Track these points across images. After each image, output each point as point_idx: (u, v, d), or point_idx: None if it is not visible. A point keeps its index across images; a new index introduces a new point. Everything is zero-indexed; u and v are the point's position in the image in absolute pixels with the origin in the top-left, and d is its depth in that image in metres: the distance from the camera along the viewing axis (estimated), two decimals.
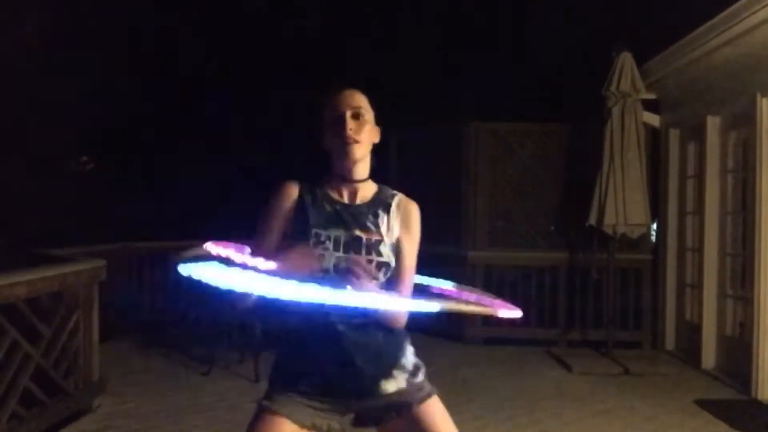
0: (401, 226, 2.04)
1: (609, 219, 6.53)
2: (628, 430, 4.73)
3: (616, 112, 6.56)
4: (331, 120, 1.99)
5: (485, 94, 10.74)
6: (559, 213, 7.47)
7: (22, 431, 4.01)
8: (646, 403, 5.33)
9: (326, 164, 2.06)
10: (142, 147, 11.06)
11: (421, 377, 2.09)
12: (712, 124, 6.40)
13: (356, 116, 1.99)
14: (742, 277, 6.07)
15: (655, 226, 7.44)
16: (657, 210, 7.27)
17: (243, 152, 11.61)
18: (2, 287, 3.82)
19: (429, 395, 2.06)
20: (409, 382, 2.04)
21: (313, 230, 1.95)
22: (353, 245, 1.95)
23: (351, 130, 1.96)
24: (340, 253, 1.93)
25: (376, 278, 1.96)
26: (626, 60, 6.56)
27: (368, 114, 2.02)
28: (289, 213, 2.01)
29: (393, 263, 2.00)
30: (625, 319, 7.19)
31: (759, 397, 5.37)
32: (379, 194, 2.07)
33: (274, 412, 1.98)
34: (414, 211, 2.08)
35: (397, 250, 2.03)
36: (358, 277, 1.84)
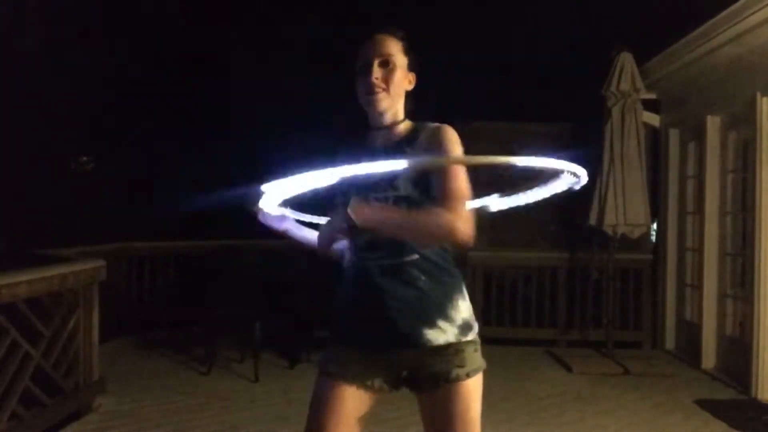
0: (428, 152, 1.87)
1: (609, 219, 6.53)
2: (628, 430, 4.73)
3: (616, 112, 6.56)
4: (359, 69, 1.91)
5: (485, 94, 10.73)
6: (559, 213, 7.48)
7: (22, 431, 4.01)
8: (646, 403, 5.33)
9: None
10: (142, 147, 11.06)
11: (471, 336, 1.94)
12: (712, 124, 6.40)
13: (384, 63, 1.89)
14: (742, 277, 6.07)
15: (655, 226, 7.45)
16: (657, 210, 7.27)
17: (243, 151, 11.60)
18: (2, 287, 3.82)
19: (467, 375, 1.89)
20: (458, 340, 1.89)
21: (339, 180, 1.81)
22: (371, 185, 1.85)
23: (377, 78, 1.87)
24: (360, 196, 1.84)
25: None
26: (626, 60, 6.56)
27: (399, 60, 1.92)
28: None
29: (418, 196, 1.84)
30: (625, 319, 7.19)
31: (759, 397, 5.37)
32: (411, 131, 1.95)
33: (329, 374, 1.93)
34: (442, 132, 1.91)
35: (428, 179, 1.85)
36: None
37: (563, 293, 7.34)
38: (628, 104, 6.56)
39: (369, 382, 1.90)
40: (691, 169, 6.97)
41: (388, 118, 1.93)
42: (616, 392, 5.61)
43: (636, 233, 6.78)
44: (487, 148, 7.07)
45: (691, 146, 6.94)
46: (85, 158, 11.01)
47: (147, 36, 10.45)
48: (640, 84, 6.58)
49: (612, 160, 6.55)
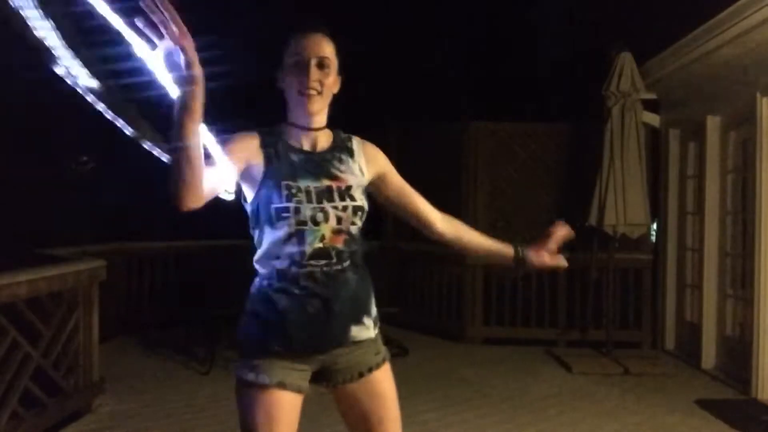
0: (373, 165, 2.04)
1: (609, 219, 6.53)
2: (628, 430, 4.73)
3: (616, 112, 6.56)
4: (293, 64, 1.90)
5: (485, 94, 10.74)
6: (559, 213, 7.47)
7: (22, 431, 4.01)
8: (646, 403, 5.33)
9: (282, 106, 1.98)
10: (142, 147, 11.03)
11: (377, 332, 2.08)
12: (712, 124, 6.40)
13: (321, 65, 1.90)
14: (742, 277, 6.07)
15: (655, 226, 7.45)
16: (657, 210, 7.27)
17: None
18: (2, 287, 3.82)
19: (384, 360, 2.07)
20: (375, 332, 2.05)
21: (284, 182, 1.88)
22: (325, 194, 1.90)
23: (314, 81, 1.89)
24: (314, 204, 1.88)
25: (354, 223, 1.94)
26: (626, 60, 6.56)
27: (333, 63, 1.94)
28: (249, 160, 1.90)
29: (367, 207, 1.97)
30: (625, 319, 7.18)
31: (759, 397, 5.37)
32: (336, 139, 2.02)
33: (265, 385, 1.92)
34: (375, 148, 2.09)
35: (390, 185, 2.09)
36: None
37: (563, 293, 7.34)
38: (628, 104, 6.56)
39: (303, 385, 1.97)
40: (691, 169, 6.97)
41: (317, 121, 1.96)
42: (616, 392, 5.61)
43: (636, 233, 6.78)
44: (488, 148, 7.08)
45: (691, 146, 6.94)
46: (85, 158, 11.01)
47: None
48: (640, 84, 6.58)
49: (612, 160, 6.55)
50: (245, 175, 1.92)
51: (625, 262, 7.12)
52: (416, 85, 11.30)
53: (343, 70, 1.98)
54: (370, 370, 2.03)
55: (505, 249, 2.27)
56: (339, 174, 1.95)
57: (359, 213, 1.94)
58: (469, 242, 2.20)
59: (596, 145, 6.68)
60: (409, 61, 11.59)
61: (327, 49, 1.92)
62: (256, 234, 1.99)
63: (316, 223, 1.88)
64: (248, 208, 1.99)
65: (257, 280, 2.00)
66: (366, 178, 2.01)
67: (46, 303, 4.37)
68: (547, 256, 2.24)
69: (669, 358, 6.86)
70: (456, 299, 7.60)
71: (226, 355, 6.30)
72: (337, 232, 1.91)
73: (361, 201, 1.95)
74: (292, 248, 1.89)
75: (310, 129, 1.96)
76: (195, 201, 1.67)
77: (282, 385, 1.92)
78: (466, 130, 7.66)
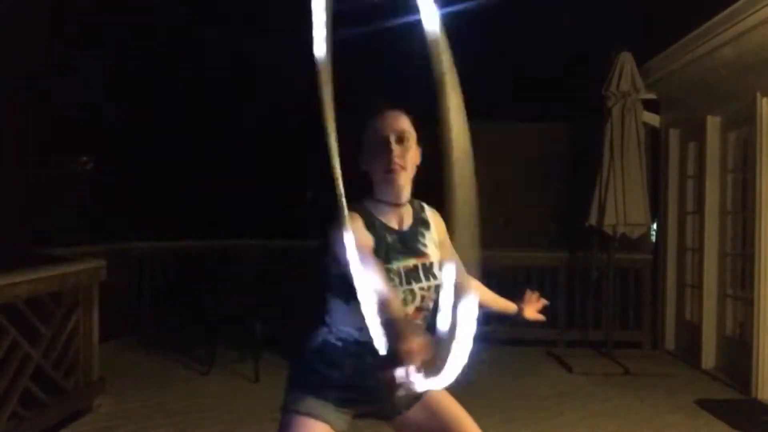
0: (438, 236, 2.06)
1: (609, 219, 6.53)
2: (628, 430, 4.73)
3: (616, 112, 6.56)
4: (373, 144, 1.91)
5: (485, 94, 10.72)
6: (559, 213, 7.48)
7: (22, 431, 4.01)
8: (646, 403, 5.33)
9: (364, 184, 1.99)
10: (143, 146, 11.05)
11: None
12: (712, 124, 6.40)
13: (400, 140, 1.91)
14: (742, 277, 6.07)
15: (655, 226, 7.45)
16: (657, 210, 7.27)
17: (244, 150, 11.61)
18: (2, 287, 3.82)
19: None
20: None
21: (382, 267, 1.87)
22: (413, 274, 1.93)
23: (397, 157, 1.89)
24: (405, 286, 1.90)
25: (433, 300, 1.95)
26: (626, 60, 6.56)
27: (412, 137, 1.95)
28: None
29: (442, 281, 1.96)
30: (625, 319, 7.18)
31: (759, 397, 5.37)
32: (415, 211, 2.05)
33: (311, 415, 1.96)
34: (437, 213, 2.09)
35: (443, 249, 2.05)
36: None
37: (563, 293, 7.34)
38: (628, 104, 6.56)
39: (345, 428, 2.01)
40: (691, 169, 6.97)
41: (404, 196, 1.97)
42: (616, 392, 5.61)
43: (636, 233, 6.78)
44: (488, 148, 7.09)
45: (691, 146, 6.94)
46: (85, 158, 11.00)
47: (148, 35, 10.45)
48: (640, 84, 6.58)
49: (612, 160, 6.55)
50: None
51: (625, 262, 7.12)
52: (416, 85, 11.29)
53: (421, 140, 1.99)
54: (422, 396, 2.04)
55: (509, 307, 2.39)
56: (423, 250, 1.98)
57: (438, 290, 1.94)
58: (483, 302, 2.17)
59: (596, 145, 6.68)
60: (409, 61, 11.59)
61: (405, 123, 1.94)
62: (337, 298, 1.98)
63: (405, 304, 1.90)
64: (334, 271, 1.92)
65: (327, 335, 2.00)
66: (439, 252, 2.04)
67: (46, 303, 4.37)
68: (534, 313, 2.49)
69: (669, 358, 6.86)
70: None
71: (226, 355, 6.31)
72: (418, 309, 1.94)
73: (441, 277, 1.96)
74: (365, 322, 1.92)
75: (398, 205, 1.97)
76: None
77: (327, 422, 1.97)
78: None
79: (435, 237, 2.03)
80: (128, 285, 7.67)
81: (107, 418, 4.74)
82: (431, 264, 1.96)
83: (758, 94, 5.49)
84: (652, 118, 7.35)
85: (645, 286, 7.34)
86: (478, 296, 2.04)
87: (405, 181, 1.94)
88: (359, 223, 1.89)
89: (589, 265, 7.03)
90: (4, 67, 7.88)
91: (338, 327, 1.97)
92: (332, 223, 1.77)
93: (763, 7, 5.13)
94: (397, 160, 1.89)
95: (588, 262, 7.06)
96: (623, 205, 6.52)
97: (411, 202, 2.03)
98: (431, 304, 1.96)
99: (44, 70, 8.74)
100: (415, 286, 1.91)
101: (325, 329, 2.01)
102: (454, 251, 2.03)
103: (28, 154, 8.70)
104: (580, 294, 7.28)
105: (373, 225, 1.93)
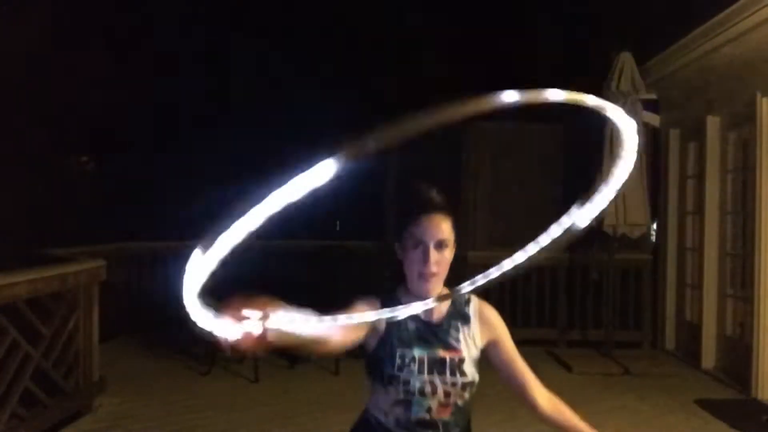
0: (487, 331, 2.04)
1: (609, 219, 6.52)
2: (628, 430, 4.73)
3: None
4: (412, 246, 1.94)
5: (485, 94, 10.71)
6: (559, 213, 7.47)
7: (22, 431, 4.01)
8: (646, 403, 5.33)
9: (398, 272, 2.00)
10: (143, 146, 11.06)
11: None
12: (712, 124, 6.40)
13: (439, 246, 1.93)
14: (742, 277, 6.07)
15: (655, 226, 7.44)
16: (657, 210, 7.26)
17: (245, 151, 11.61)
18: (2, 287, 3.82)
19: None
20: None
21: (398, 350, 1.91)
22: (437, 366, 1.92)
23: (434, 264, 1.92)
24: (425, 376, 1.91)
25: (462, 398, 1.95)
26: (626, 60, 6.56)
27: (451, 240, 1.97)
28: (370, 326, 1.93)
29: (477, 380, 1.98)
30: (625, 319, 7.18)
31: (759, 397, 5.37)
32: (454, 304, 2.03)
33: None
34: (494, 314, 2.09)
35: (501, 353, 2.05)
36: None
37: (563, 293, 7.34)
38: (628, 104, 6.56)
39: None
40: (691, 169, 6.97)
41: (434, 293, 1.97)
42: (616, 392, 5.61)
43: (636, 233, 6.78)
44: (488, 148, 7.08)
45: (691, 146, 6.94)
46: (85, 158, 11.01)
47: (147, 36, 10.45)
48: (640, 84, 6.58)
49: (612, 160, 6.54)
50: (368, 333, 1.95)
51: (625, 262, 7.11)
52: (416, 85, 11.30)
53: (458, 240, 2.00)
54: None
55: None
56: (454, 344, 1.97)
57: (468, 388, 1.96)
58: (564, 422, 2.13)
59: (596, 146, 6.68)
60: (408, 62, 11.60)
61: (445, 229, 1.95)
62: (370, 380, 2.01)
63: (423, 395, 1.90)
64: (366, 353, 1.99)
65: (369, 415, 2.03)
66: (479, 346, 2.02)
67: (46, 303, 4.37)
68: None
69: (669, 358, 6.86)
70: None
71: (225, 356, 6.30)
72: (444, 405, 1.93)
73: (472, 375, 1.97)
74: (399, 411, 1.93)
75: (425, 298, 1.95)
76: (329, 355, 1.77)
77: None
78: (467, 131, 7.66)
79: (475, 334, 2.01)
80: (128, 285, 7.66)
81: (107, 418, 4.74)
82: (462, 360, 1.95)
83: (758, 94, 5.49)
84: (652, 118, 7.35)
85: (645, 286, 7.34)
86: (546, 409, 2.08)
87: (437, 285, 1.95)
88: (377, 304, 1.94)
89: (589, 265, 7.03)
90: (4, 67, 7.88)
91: (373, 414, 2.00)
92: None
93: (763, 7, 5.13)
94: (433, 267, 1.92)
95: (588, 262, 7.06)
96: (623, 205, 6.52)
97: (455, 293, 1.99)
98: (461, 402, 1.96)
99: (44, 70, 8.74)
100: (437, 379, 1.91)
101: (367, 412, 2.04)
102: (515, 354, 2.08)
103: (28, 154, 8.70)
104: (580, 294, 7.28)
105: (393, 309, 1.95)
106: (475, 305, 2.06)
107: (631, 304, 7.25)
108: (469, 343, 1.99)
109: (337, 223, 13.21)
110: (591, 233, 6.83)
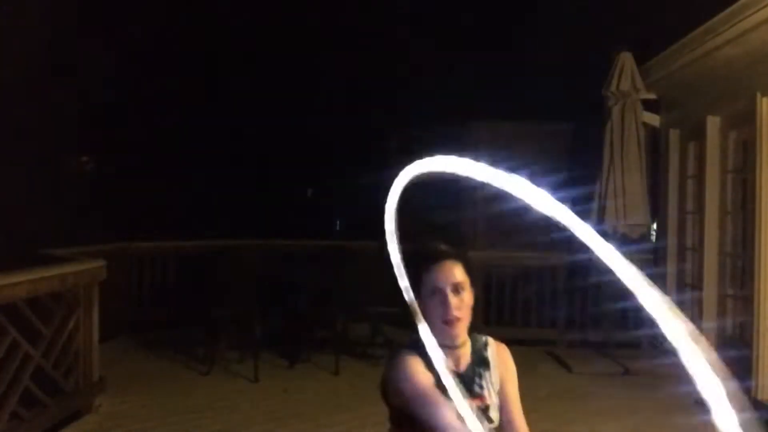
0: (502, 376, 2.05)
1: (609, 219, 6.53)
2: (628, 430, 4.73)
3: (616, 112, 6.56)
4: (430, 295, 1.94)
5: (485, 94, 10.73)
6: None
7: (22, 431, 4.01)
8: (646, 403, 5.32)
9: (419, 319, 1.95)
10: (143, 146, 11.06)
11: None
12: (712, 124, 6.40)
13: (456, 291, 1.93)
14: (742, 277, 6.06)
15: (655, 225, 7.44)
16: (657, 210, 7.26)
17: (245, 151, 11.61)
18: (2, 287, 3.82)
19: None
20: None
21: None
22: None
23: (454, 308, 1.91)
24: None
25: None
26: (626, 60, 6.56)
27: (467, 282, 1.96)
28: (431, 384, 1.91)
29: (501, 421, 2.00)
30: (625, 319, 7.18)
31: (759, 397, 5.36)
32: (475, 348, 2.03)
33: None
34: (508, 356, 2.09)
35: (503, 396, 2.03)
36: None
37: (563, 293, 7.34)
38: (628, 104, 6.56)
39: None
40: (691, 169, 6.97)
41: (460, 340, 1.98)
42: (616, 392, 5.61)
43: (636, 233, 6.78)
44: (488, 148, 7.09)
45: (691, 146, 6.94)
46: (85, 158, 11.01)
47: (146, 35, 10.44)
48: (640, 84, 6.58)
49: (612, 160, 6.55)
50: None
51: None
52: (416, 85, 11.30)
53: (475, 282, 1.99)
54: None
55: None
56: (480, 392, 1.98)
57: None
58: None
59: (596, 145, 6.68)
60: (409, 62, 11.59)
61: (459, 273, 1.95)
62: (399, 425, 2.00)
63: None
64: (397, 404, 1.96)
65: None
66: (496, 392, 2.03)
67: (46, 303, 4.37)
68: None
69: (669, 358, 6.85)
70: None
71: (226, 356, 6.30)
72: None
73: (497, 419, 1.98)
74: None
75: (455, 348, 1.98)
76: None
77: None
78: (467, 130, 7.66)
79: (495, 378, 2.03)
80: (128, 285, 7.67)
81: (107, 418, 4.74)
82: (488, 407, 1.97)
83: (758, 94, 5.49)
84: (652, 118, 7.35)
85: None
86: None
87: (462, 329, 1.96)
88: (419, 365, 1.91)
89: (589, 266, 7.01)
90: (4, 67, 7.88)
91: None
92: (393, 361, 1.89)
93: (763, 7, 5.13)
94: (454, 312, 1.92)
95: (588, 262, 7.05)
96: (623, 205, 6.52)
97: (474, 338, 2.04)
98: None
99: (44, 70, 8.74)
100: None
101: None
102: (515, 402, 2.07)
103: (28, 154, 8.70)
104: (580, 294, 7.28)
105: (430, 367, 1.90)
106: (493, 348, 2.07)
107: (631, 304, 7.24)
108: (493, 387, 2.02)
109: (338, 223, 13.22)
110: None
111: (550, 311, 7.36)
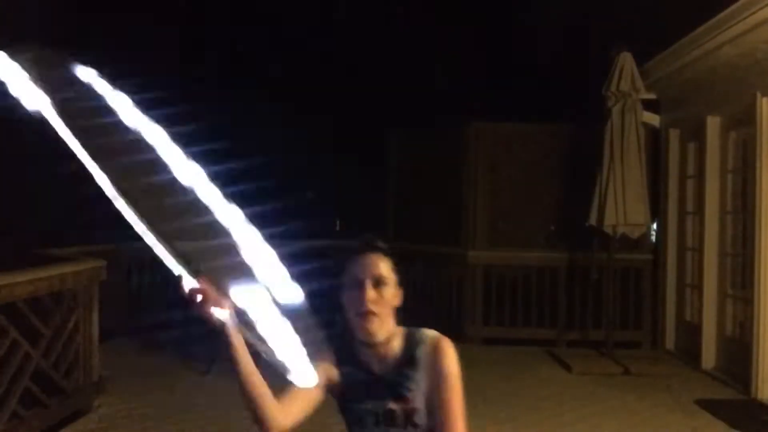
0: (429, 378, 1.87)
1: (609, 219, 6.52)
2: (628, 430, 4.74)
3: (616, 112, 6.56)
4: (350, 286, 1.88)
5: (485, 94, 10.74)
6: (559, 213, 7.47)
7: (22, 431, 4.01)
8: (646, 403, 5.33)
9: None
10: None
11: None
12: (712, 124, 6.40)
13: (377, 284, 1.87)
14: (742, 277, 6.07)
15: (655, 226, 7.44)
16: (657, 210, 7.27)
17: (245, 151, 11.60)
18: (2, 287, 3.82)
19: None
20: None
21: (353, 405, 1.89)
22: (388, 419, 1.87)
23: (370, 301, 1.84)
24: (381, 428, 1.87)
25: None
26: (626, 60, 6.55)
27: (390, 279, 1.90)
28: (328, 380, 1.90)
29: (433, 425, 1.87)
30: (625, 319, 7.18)
31: (759, 397, 5.36)
32: (406, 347, 1.91)
33: None
34: (443, 356, 1.88)
35: (432, 402, 1.86)
36: None
37: (563, 293, 7.34)
38: (628, 104, 6.56)
39: None
40: (691, 169, 6.97)
41: (380, 337, 1.88)
42: (616, 392, 5.61)
43: (636, 233, 6.78)
44: (488, 148, 7.07)
45: (691, 146, 6.94)
46: None
47: (145, 34, 10.45)
48: (640, 84, 6.58)
49: (612, 160, 6.55)
50: (329, 387, 1.93)
51: (625, 262, 7.11)
52: (416, 85, 11.30)
53: (402, 283, 1.93)
54: None
55: None
56: (405, 394, 1.87)
57: None
58: None
59: (596, 145, 6.68)
60: (408, 62, 11.59)
61: (383, 267, 1.89)
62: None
63: None
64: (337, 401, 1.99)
65: None
66: (427, 395, 1.88)
67: (46, 303, 4.37)
68: None
69: (669, 358, 6.86)
70: (456, 299, 7.60)
71: (226, 356, 6.29)
72: None
73: (425, 425, 1.87)
74: None
75: (372, 344, 1.90)
76: (273, 429, 1.77)
77: None
78: (467, 130, 7.65)
79: (423, 380, 1.87)
80: (128, 285, 7.66)
81: (107, 418, 4.74)
82: (413, 410, 1.85)
83: (758, 94, 5.49)
84: (652, 118, 7.35)
85: (645, 286, 7.34)
86: None
87: (379, 326, 1.86)
88: (327, 361, 1.90)
89: (589, 265, 7.03)
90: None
91: None
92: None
93: (763, 7, 5.13)
94: (369, 305, 1.84)
95: (588, 262, 7.06)
96: (623, 205, 6.52)
97: (410, 337, 1.93)
98: None
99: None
100: (395, 431, 1.87)
101: None
102: (448, 403, 1.86)
103: (28, 153, 8.70)
104: (580, 294, 7.28)
105: (345, 363, 1.92)
106: (426, 348, 1.89)
107: (631, 304, 7.25)
108: (422, 389, 1.86)
109: (337, 222, 13.20)
110: (591, 233, 6.83)
111: (550, 311, 7.36)
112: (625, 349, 6.86)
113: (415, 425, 1.85)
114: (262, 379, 1.77)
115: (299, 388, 1.76)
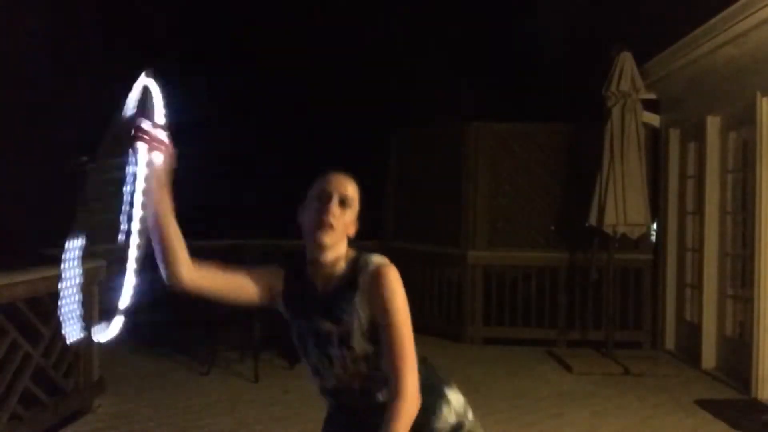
0: (370, 304, 1.85)
1: (609, 219, 6.52)
2: (628, 430, 4.73)
3: (616, 112, 6.56)
4: (315, 197, 1.89)
5: (485, 94, 10.73)
6: (559, 213, 7.47)
7: (22, 431, 4.01)
8: (646, 403, 5.33)
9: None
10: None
11: None
12: (712, 124, 6.40)
13: (342, 202, 1.88)
14: (742, 277, 6.07)
15: (655, 226, 7.44)
16: (657, 210, 7.27)
17: (244, 150, 11.61)
18: (2, 287, 3.82)
19: None
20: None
21: (295, 321, 1.95)
22: (328, 340, 1.88)
23: (333, 215, 1.85)
24: (318, 350, 1.90)
25: (361, 368, 1.87)
26: (626, 60, 6.56)
27: (354, 204, 1.91)
28: (272, 289, 1.98)
29: (371, 350, 1.85)
30: (625, 319, 7.18)
31: (759, 397, 5.36)
32: (349, 271, 1.90)
33: None
34: (384, 281, 1.85)
35: (374, 326, 1.84)
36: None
37: (563, 293, 7.34)
38: (628, 104, 6.56)
39: None
40: (691, 169, 6.97)
41: (327, 255, 1.89)
42: (616, 392, 5.61)
43: (636, 233, 6.78)
44: (488, 148, 7.07)
45: (691, 146, 6.94)
46: (85, 158, 11.01)
47: (145, 33, 10.45)
48: (640, 84, 6.58)
49: (612, 160, 6.55)
50: (276, 302, 2.00)
51: (625, 262, 7.11)
52: (417, 85, 11.30)
53: (360, 217, 1.95)
54: None
55: None
56: (342, 317, 1.86)
57: (363, 361, 1.87)
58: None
59: (596, 145, 6.68)
60: (409, 63, 11.59)
61: (351, 189, 1.92)
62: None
63: (324, 366, 1.91)
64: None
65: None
66: (365, 320, 1.86)
67: (46, 303, 4.36)
68: None
69: (669, 358, 6.86)
70: (456, 299, 7.60)
71: (226, 356, 6.30)
72: (351, 374, 1.89)
73: (361, 349, 1.85)
74: (316, 381, 1.98)
75: (319, 262, 1.91)
76: (174, 280, 1.94)
77: None
78: (467, 130, 7.65)
79: (363, 304, 1.85)
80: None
81: (107, 418, 4.74)
82: (347, 334, 1.85)
83: (758, 94, 5.49)
84: (652, 118, 7.35)
85: (645, 286, 7.34)
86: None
87: (331, 241, 1.86)
88: (273, 275, 1.99)
89: (589, 265, 7.02)
90: (4, 67, 7.88)
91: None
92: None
93: (763, 7, 5.13)
94: (331, 218, 1.85)
95: (588, 262, 7.05)
96: (623, 205, 6.52)
97: (356, 261, 1.91)
98: (366, 371, 1.87)
99: (45, 71, 8.74)
100: (331, 351, 1.88)
101: None
102: (390, 328, 1.82)
103: (28, 154, 8.70)
104: (580, 294, 7.28)
105: (292, 279, 1.97)
106: (368, 273, 1.87)
107: (631, 304, 7.25)
108: (358, 315, 1.85)
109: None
110: (591, 233, 6.83)
111: (549, 311, 7.36)
112: (625, 349, 6.86)
113: (350, 348, 1.86)
114: (178, 232, 1.91)
115: (245, 270, 1.96)
